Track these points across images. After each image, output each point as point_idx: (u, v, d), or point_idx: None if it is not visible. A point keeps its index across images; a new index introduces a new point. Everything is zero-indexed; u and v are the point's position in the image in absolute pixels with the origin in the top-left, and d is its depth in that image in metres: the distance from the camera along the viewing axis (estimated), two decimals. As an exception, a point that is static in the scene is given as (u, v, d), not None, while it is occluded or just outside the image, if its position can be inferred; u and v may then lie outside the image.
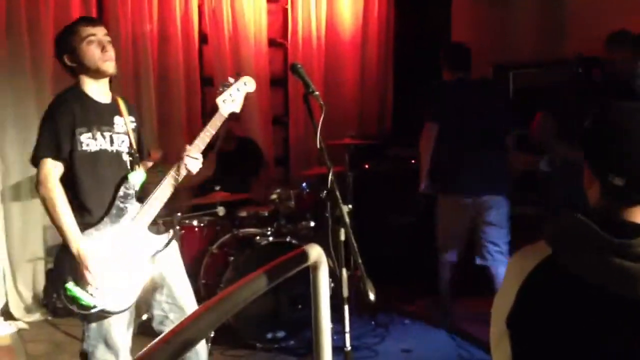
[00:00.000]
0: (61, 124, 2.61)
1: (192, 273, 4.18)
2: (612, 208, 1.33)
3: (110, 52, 2.71)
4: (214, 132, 2.79)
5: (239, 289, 1.57)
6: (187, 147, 2.73)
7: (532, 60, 4.94)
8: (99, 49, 2.68)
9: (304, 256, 1.91)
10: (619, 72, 3.78)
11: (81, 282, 2.57)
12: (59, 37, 2.76)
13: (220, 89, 2.84)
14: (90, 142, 2.64)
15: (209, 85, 5.54)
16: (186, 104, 5.37)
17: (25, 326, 4.57)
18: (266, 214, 4.40)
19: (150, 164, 3.04)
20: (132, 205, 2.71)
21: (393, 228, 5.24)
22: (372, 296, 1.83)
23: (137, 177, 2.75)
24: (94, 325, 2.66)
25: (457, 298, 4.34)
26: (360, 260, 1.87)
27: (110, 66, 2.70)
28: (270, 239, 4.09)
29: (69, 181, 2.62)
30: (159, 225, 2.91)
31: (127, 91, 5.08)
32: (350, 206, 1.99)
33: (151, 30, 5.17)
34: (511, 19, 5.46)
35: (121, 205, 2.69)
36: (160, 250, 2.76)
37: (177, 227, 2.92)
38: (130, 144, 2.77)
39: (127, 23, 5.07)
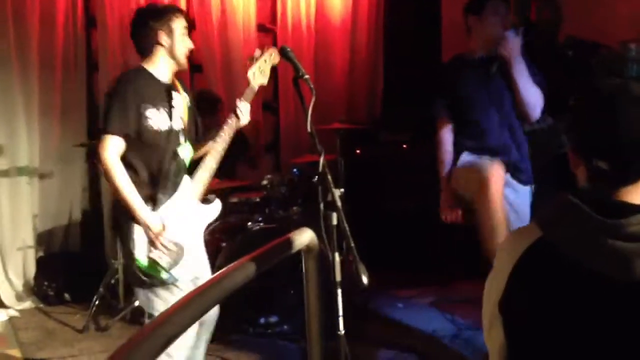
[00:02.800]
0: (129, 101, 2.67)
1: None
2: (600, 189, 1.33)
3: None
4: (248, 105, 2.94)
5: (229, 274, 1.57)
6: (237, 102, 2.92)
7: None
8: (189, 44, 2.87)
9: (296, 241, 1.91)
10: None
11: (151, 254, 2.63)
12: (158, 12, 2.84)
13: (249, 62, 2.97)
14: (154, 118, 2.71)
15: (198, 72, 5.50)
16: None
17: (16, 314, 4.56)
18: (257, 200, 4.39)
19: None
20: (184, 179, 2.81)
21: (385, 213, 5.25)
22: (365, 280, 1.82)
23: (186, 151, 2.85)
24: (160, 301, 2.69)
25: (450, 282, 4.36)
26: (353, 245, 1.86)
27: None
28: (262, 224, 4.08)
29: (131, 156, 2.68)
30: (206, 196, 2.97)
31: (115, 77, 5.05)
32: (342, 190, 1.98)
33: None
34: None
35: (174, 180, 2.77)
36: (214, 219, 2.93)
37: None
38: (183, 120, 2.85)
39: (113, 8, 5.02)
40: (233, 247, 3.96)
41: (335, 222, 1.97)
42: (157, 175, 2.73)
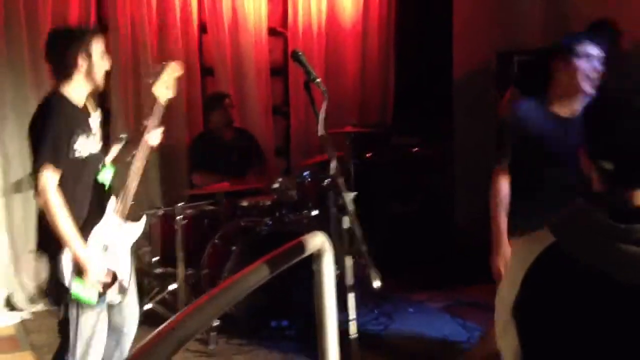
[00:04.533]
0: (59, 131, 2.64)
1: (194, 263, 4.20)
2: (612, 192, 1.32)
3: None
4: (157, 122, 2.98)
5: (241, 278, 1.56)
6: (145, 124, 2.93)
7: (537, 46, 4.92)
8: (107, 65, 2.81)
9: (308, 244, 1.90)
10: None
11: (83, 281, 2.65)
12: (75, 33, 2.80)
13: (151, 81, 2.98)
14: (82, 147, 2.72)
15: (209, 75, 5.52)
16: (186, 93, 5.35)
17: (28, 316, 4.58)
18: (268, 204, 4.39)
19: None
20: (110, 201, 2.85)
21: (396, 216, 5.24)
22: (376, 283, 1.82)
23: (107, 174, 2.88)
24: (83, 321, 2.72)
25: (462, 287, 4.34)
26: (364, 248, 1.86)
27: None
28: (273, 228, 4.08)
29: (62, 185, 2.66)
30: (131, 213, 2.99)
31: (126, 81, 5.07)
32: (354, 193, 1.98)
33: (150, 19, 5.14)
34: (515, 5, 5.42)
35: (100, 202, 2.81)
36: (139, 235, 2.97)
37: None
38: (100, 141, 2.87)
39: (125, 12, 5.04)
40: (243, 251, 3.96)
41: (346, 225, 1.97)
42: (86, 202, 2.74)
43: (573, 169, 2.82)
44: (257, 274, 1.61)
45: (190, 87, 5.38)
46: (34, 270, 4.83)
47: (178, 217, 4.14)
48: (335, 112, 5.06)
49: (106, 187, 2.87)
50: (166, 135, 5.12)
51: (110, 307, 2.88)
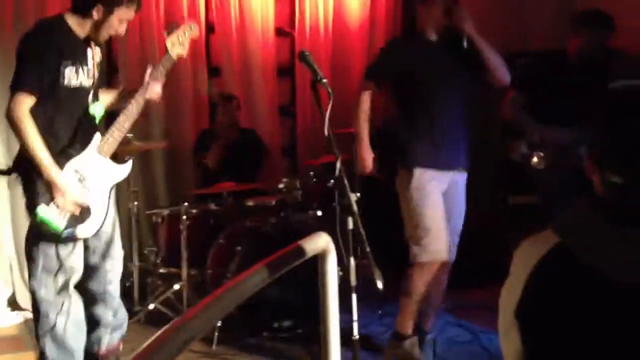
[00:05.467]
0: (47, 57, 2.67)
1: (199, 263, 4.21)
2: (615, 198, 1.32)
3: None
4: (165, 72, 3.00)
5: (246, 278, 1.57)
6: (149, 71, 2.97)
7: (543, 48, 4.90)
8: (121, 29, 2.85)
9: (312, 245, 1.91)
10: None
11: (52, 206, 2.68)
12: None
13: (167, 34, 3.02)
14: (72, 76, 2.74)
15: (216, 75, 5.53)
16: (193, 93, 5.36)
17: (31, 315, 4.58)
18: (273, 204, 4.39)
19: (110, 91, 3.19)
20: (94, 136, 2.86)
21: (401, 218, 5.22)
22: (380, 284, 1.82)
23: (98, 109, 2.92)
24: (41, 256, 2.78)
25: (464, 289, 4.32)
26: (368, 249, 1.86)
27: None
28: (277, 228, 4.08)
29: (39, 111, 2.69)
30: (119, 155, 3.11)
31: (134, 79, 5.08)
32: (358, 194, 1.98)
33: (158, 18, 5.16)
34: (522, 6, 5.41)
35: (84, 137, 2.83)
36: (121, 179, 3.00)
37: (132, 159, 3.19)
38: (94, 75, 2.90)
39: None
40: (248, 251, 3.96)
41: (351, 226, 1.97)
42: (67, 131, 2.78)
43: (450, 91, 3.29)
44: (262, 274, 1.61)
45: (197, 86, 5.40)
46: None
47: (183, 217, 4.15)
48: (342, 112, 5.04)
49: (96, 121, 2.91)
50: (172, 134, 5.22)
51: (93, 247, 2.93)
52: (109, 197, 2.96)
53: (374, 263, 1.83)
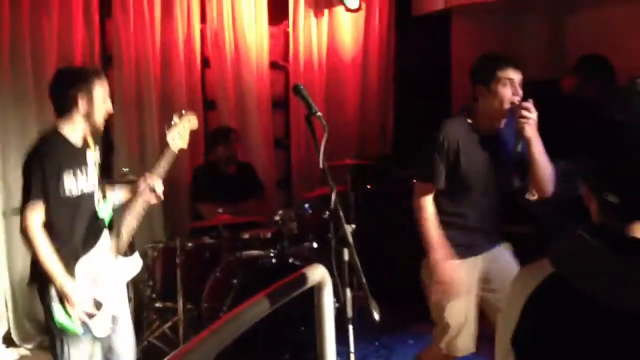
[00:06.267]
0: (48, 168, 2.72)
1: (195, 297, 4.19)
2: (612, 224, 1.33)
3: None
4: (167, 168, 3.05)
5: (243, 311, 1.57)
6: (147, 175, 2.97)
7: (534, 78, 4.97)
8: (109, 106, 2.89)
9: (308, 277, 1.91)
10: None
11: (66, 311, 2.72)
12: (81, 73, 2.87)
13: (167, 128, 3.08)
14: (72, 186, 2.78)
15: (212, 109, 5.57)
16: (189, 127, 5.39)
17: (26, 352, 4.55)
18: (269, 236, 4.39)
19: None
20: (104, 237, 2.90)
21: (397, 248, 5.23)
22: (376, 316, 1.82)
23: (106, 210, 2.95)
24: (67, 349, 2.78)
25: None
26: (364, 281, 1.87)
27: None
28: (274, 261, 4.08)
29: (47, 222, 2.73)
30: (128, 250, 3.06)
31: (130, 114, 5.12)
32: (353, 226, 1.99)
33: (154, 54, 5.21)
34: (512, 39, 5.49)
35: (93, 238, 2.86)
36: (135, 274, 3.05)
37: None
38: (96, 178, 2.93)
39: (130, 47, 5.11)
40: (244, 284, 3.95)
41: (346, 257, 1.98)
42: (75, 236, 2.80)
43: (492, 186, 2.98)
44: (258, 307, 1.62)
45: (192, 120, 5.42)
46: (32, 305, 4.81)
47: (178, 251, 4.14)
48: (336, 145, 5.10)
49: (105, 223, 2.93)
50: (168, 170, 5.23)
51: (106, 346, 2.93)
52: (124, 294, 3.02)
53: (370, 294, 1.83)
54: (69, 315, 2.72)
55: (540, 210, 3.78)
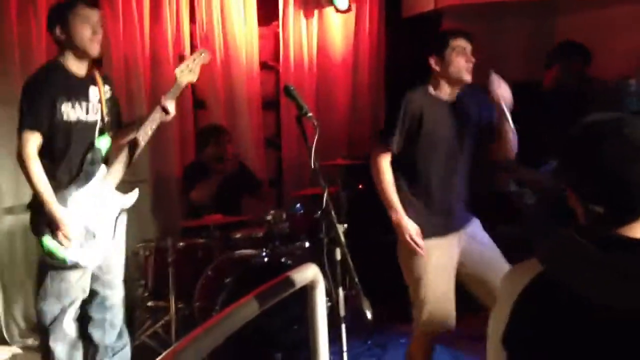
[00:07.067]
0: (43, 95, 2.83)
1: (187, 296, 4.19)
2: (599, 227, 1.35)
3: (99, 35, 2.97)
4: (173, 101, 3.09)
5: (235, 310, 1.58)
6: (163, 97, 3.06)
7: (521, 82, 5.00)
8: (90, 30, 2.92)
9: (300, 276, 1.92)
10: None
11: (56, 237, 2.82)
12: (55, 9, 2.99)
13: (179, 60, 3.24)
14: (70, 111, 2.88)
15: (201, 108, 5.56)
16: (179, 126, 5.37)
17: (19, 351, 4.53)
18: (261, 235, 4.40)
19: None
20: (99, 168, 2.99)
21: (388, 247, 5.23)
22: (369, 315, 1.83)
23: (103, 142, 3.03)
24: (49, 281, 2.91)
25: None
26: (356, 280, 1.88)
27: (96, 49, 2.97)
28: (266, 260, 4.08)
29: (44, 146, 2.86)
30: (126, 184, 3.15)
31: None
32: (345, 225, 2.00)
33: (143, 53, 5.19)
34: (500, 41, 5.51)
35: (88, 169, 2.95)
36: (127, 208, 3.11)
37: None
38: (102, 111, 3.03)
39: (119, 46, 5.10)
40: (236, 283, 3.95)
41: (339, 257, 1.99)
42: (70, 164, 2.91)
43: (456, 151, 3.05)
44: (250, 306, 1.62)
45: (182, 119, 5.40)
46: (24, 304, 4.80)
47: (170, 250, 4.14)
48: (327, 145, 5.10)
49: (102, 154, 3.02)
50: (158, 168, 5.22)
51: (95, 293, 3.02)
52: (115, 226, 3.05)
53: (362, 293, 1.85)
54: (59, 243, 2.80)
55: (533, 212, 3.81)
